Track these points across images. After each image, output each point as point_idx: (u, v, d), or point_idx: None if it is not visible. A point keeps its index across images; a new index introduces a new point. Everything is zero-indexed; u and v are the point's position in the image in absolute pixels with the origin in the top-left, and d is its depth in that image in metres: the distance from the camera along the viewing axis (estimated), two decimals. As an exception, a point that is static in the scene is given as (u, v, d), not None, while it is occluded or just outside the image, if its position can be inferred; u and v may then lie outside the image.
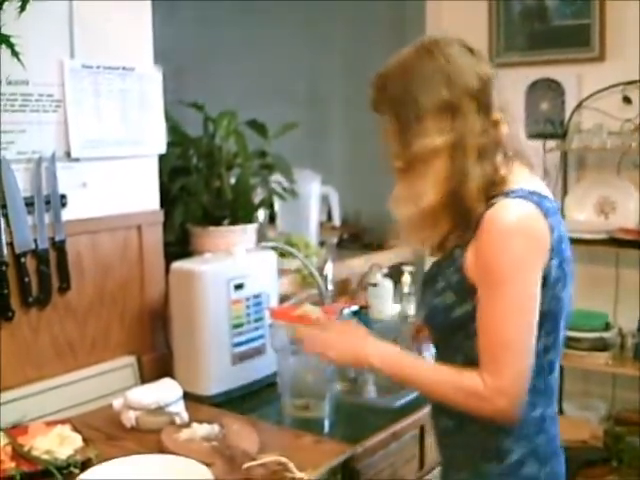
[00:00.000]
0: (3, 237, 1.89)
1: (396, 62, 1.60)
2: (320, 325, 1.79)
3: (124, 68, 2.15)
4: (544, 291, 1.46)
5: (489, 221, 1.46)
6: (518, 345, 1.44)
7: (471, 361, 1.48)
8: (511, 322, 1.44)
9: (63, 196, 2.02)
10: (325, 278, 2.61)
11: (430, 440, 2.10)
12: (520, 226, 1.45)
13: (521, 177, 1.54)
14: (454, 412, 1.51)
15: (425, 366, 1.61)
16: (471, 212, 1.49)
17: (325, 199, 3.15)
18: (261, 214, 2.75)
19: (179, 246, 2.43)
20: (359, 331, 1.67)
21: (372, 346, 1.60)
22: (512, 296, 1.43)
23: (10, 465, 1.64)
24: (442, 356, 1.61)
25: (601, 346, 3.38)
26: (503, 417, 1.46)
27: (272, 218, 2.95)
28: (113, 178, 2.16)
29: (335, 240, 3.43)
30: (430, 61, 1.55)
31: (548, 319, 1.48)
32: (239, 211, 2.47)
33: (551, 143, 3.52)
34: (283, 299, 2.45)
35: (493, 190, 1.50)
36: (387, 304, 2.96)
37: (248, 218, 2.49)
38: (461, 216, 1.51)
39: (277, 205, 2.84)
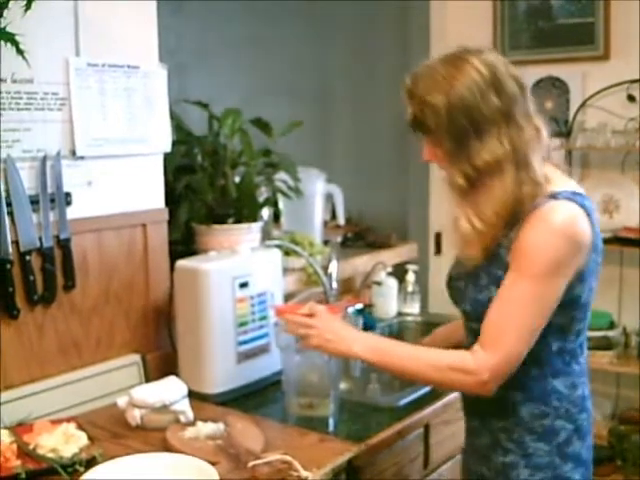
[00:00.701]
0: (8, 235, 1.89)
1: (434, 78, 1.56)
2: (307, 313, 1.81)
3: (129, 66, 2.14)
4: (582, 284, 1.56)
5: (538, 218, 1.51)
6: (525, 333, 1.53)
7: None
8: (528, 311, 1.52)
9: (68, 194, 2.02)
10: (329, 277, 2.61)
11: (434, 439, 2.11)
12: (566, 228, 1.51)
13: (558, 177, 1.60)
14: (501, 396, 1.58)
15: (407, 348, 1.70)
16: (523, 215, 1.53)
17: (329, 198, 3.15)
18: (266, 212, 2.75)
19: (184, 244, 2.43)
20: (344, 322, 1.80)
21: (356, 334, 1.73)
22: (538, 289, 1.51)
23: (15, 463, 1.64)
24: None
25: (605, 345, 3.39)
26: (481, 391, 1.56)
27: (277, 216, 2.95)
28: (118, 176, 2.16)
29: (339, 239, 3.43)
30: (474, 72, 1.54)
31: (583, 307, 1.59)
32: (244, 209, 2.47)
33: (555, 141, 3.52)
34: (288, 297, 2.45)
35: (539, 191, 1.54)
36: (391, 303, 2.96)
37: (253, 216, 2.49)
38: (514, 220, 1.55)
39: (282, 203, 2.83)
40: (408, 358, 1.63)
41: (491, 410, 1.66)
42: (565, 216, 1.51)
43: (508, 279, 1.54)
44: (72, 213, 2.03)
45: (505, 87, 1.55)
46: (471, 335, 1.69)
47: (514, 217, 1.54)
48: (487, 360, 1.53)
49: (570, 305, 1.56)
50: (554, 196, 1.53)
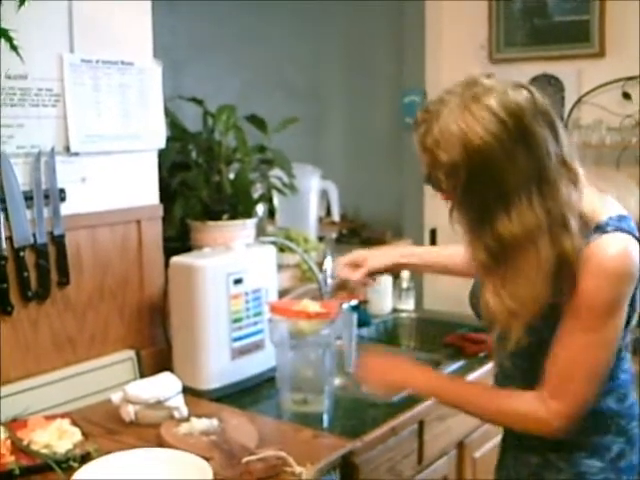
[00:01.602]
0: (2, 231, 1.88)
1: (449, 129, 1.34)
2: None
3: (123, 62, 2.14)
4: (631, 307, 1.46)
5: (590, 262, 1.39)
6: (594, 377, 1.45)
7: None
8: (594, 356, 1.44)
9: (62, 190, 2.01)
10: (324, 273, 2.61)
11: (428, 435, 2.11)
12: (620, 267, 1.40)
13: (596, 201, 1.47)
14: None
15: (475, 391, 1.63)
16: (572, 266, 1.38)
17: (324, 194, 3.15)
18: (260, 209, 2.75)
19: (178, 241, 2.43)
20: (403, 360, 1.75)
21: (419, 373, 1.68)
22: (601, 332, 1.42)
23: (9, 459, 1.64)
24: (523, 378, 1.57)
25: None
26: (556, 435, 1.48)
27: (271, 213, 2.95)
28: (112, 173, 2.15)
29: (334, 235, 3.44)
30: (496, 123, 1.32)
31: (629, 324, 1.49)
32: (238, 206, 2.47)
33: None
34: (282, 294, 2.45)
35: (585, 229, 1.41)
36: (386, 299, 2.96)
37: (247, 213, 2.49)
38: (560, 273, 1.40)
39: (276, 200, 2.84)
40: (475, 402, 1.57)
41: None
42: (617, 254, 1.39)
43: (568, 325, 1.42)
44: (66, 209, 2.03)
45: (535, 137, 1.34)
46: (516, 369, 1.60)
47: (558, 274, 1.39)
48: (559, 410, 1.45)
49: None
50: (601, 228, 1.41)
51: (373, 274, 1.95)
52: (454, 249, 1.85)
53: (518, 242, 1.36)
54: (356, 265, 1.90)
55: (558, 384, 1.46)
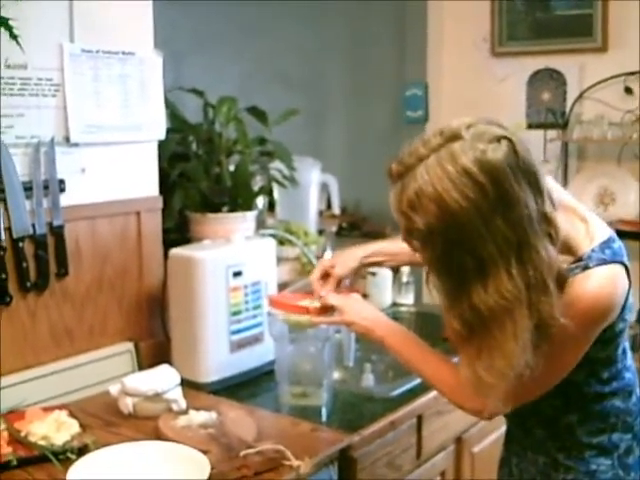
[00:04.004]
0: (1, 222, 1.88)
1: (423, 190, 1.27)
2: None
3: (124, 53, 2.13)
4: (621, 320, 1.44)
5: (568, 295, 1.35)
6: (541, 391, 1.45)
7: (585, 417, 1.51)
8: (552, 379, 1.43)
9: (62, 181, 2.01)
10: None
11: (427, 430, 2.11)
12: (593, 307, 1.36)
13: (580, 230, 1.44)
14: (555, 418, 1.53)
15: (419, 353, 1.65)
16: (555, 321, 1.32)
17: (325, 187, 3.15)
18: (260, 201, 2.74)
19: (178, 233, 2.42)
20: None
21: (385, 322, 1.73)
22: (551, 353, 1.36)
23: (7, 450, 1.64)
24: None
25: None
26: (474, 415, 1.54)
27: (271, 205, 2.94)
28: (112, 164, 2.14)
29: (334, 228, 3.43)
30: (473, 188, 1.24)
31: (623, 333, 1.48)
32: (238, 198, 2.46)
33: (552, 133, 3.52)
34: (282, 287, 2.44)
35: (567, 261, 1.38)
36: (386, 293, 2.96)
37: (247, 205, 2.48)
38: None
39: (276, 192, 2.83)
40: (416, 362, 1.63)
41: (544, 433, 1.57)
42: (593, 294, 1.36)
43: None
44: (65, 200, 2.02)
45: (515, 201, 1.26)
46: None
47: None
48: (477, 405, 1.47)
49: (614, 338, 1.47)
50: (584, 261, 1.39)
51: (341, 281, 1.94)
52: None
53: (494, 314, 1.28)
54: (327, 274, 1.89)
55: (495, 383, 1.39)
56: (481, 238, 1.25)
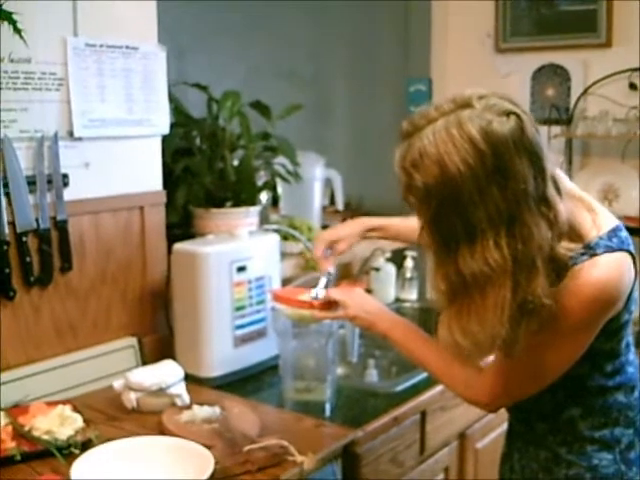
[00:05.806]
0: (5, 216, 1.88)
1: (427, 151, 1.29)
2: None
3: (128, 47, 2.13)
4: (627, 311, 1.45)
5: (574, 281, 1.36)
6: (533, 379, 1.47)
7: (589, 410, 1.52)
8: (540, 357, 1.42)
9: (65, 176, 2.00)
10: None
11: (431, 425, 2.11)
12: (599, 293, 1.36)
13: (586, 218, 1.44)
14: (557, 412, 1.53)
15: (427, 348, 1.65)
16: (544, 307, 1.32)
17: (328, 182, 3.13)
18: (264, 196, 2.73)
19: (181, 227, 2.42)
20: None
21: (388, 316, 1.72)
22: (555, 343, 1.39)
23: (10, 445, 1.64)
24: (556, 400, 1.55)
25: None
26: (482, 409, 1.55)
27: (275, 201, 2.94)
28: (116, 158, 2.14)
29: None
30: (473, 154, 1.26)
31: (628, 325, 1.49)
32: (242, 193, 2.46)
33: (556, 129, 3.50)
34: (285, 282, 2.44)
35: (574, 249, 1.37)
36: (389, 289, 2.96)
37: (251, 200, 2.48)
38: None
39: (280, 188, 2.82)
40: (424, 357, 1.63)
41: (545, 427, 1.57)
42: (599, 280, 1.35)
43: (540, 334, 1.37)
44: (69, 195, 2.02)
45: (513, 176, 1.27)
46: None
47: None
48: (498, 399, 1.52)
49: (618, 330, 1.47)
50: (592, 249, 1.38)
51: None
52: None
53: (477, 281, 1.30)
54: (331, 247, 1.93)
55: (509, 380, 1.47)
56: (473, 205, 1.27)
